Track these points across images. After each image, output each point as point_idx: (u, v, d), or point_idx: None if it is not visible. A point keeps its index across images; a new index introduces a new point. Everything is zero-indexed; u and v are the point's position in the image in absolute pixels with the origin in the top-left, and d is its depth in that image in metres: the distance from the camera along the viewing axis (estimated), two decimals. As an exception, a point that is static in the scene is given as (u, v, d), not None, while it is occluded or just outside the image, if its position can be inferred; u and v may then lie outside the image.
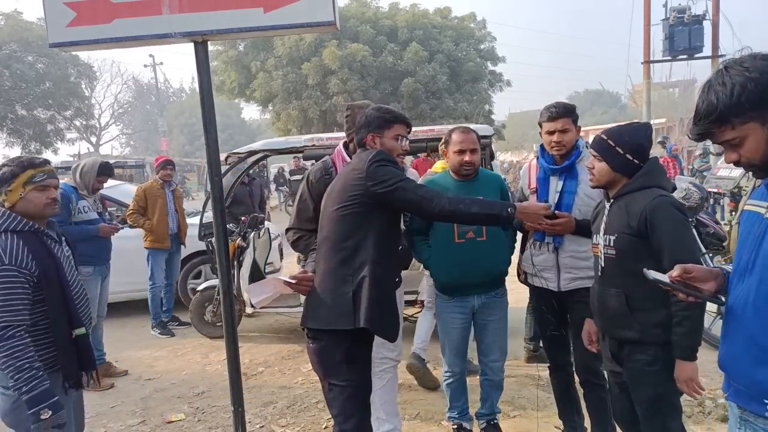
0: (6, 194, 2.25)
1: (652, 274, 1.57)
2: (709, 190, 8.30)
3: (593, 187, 2.41)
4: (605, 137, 2.28)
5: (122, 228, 5.15)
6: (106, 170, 4.60)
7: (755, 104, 1.27)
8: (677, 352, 2.12)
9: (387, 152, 2.43)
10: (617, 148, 2.23)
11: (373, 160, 2.30)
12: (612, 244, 2.24)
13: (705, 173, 11.73)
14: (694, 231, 2.18)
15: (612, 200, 2.30)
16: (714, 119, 1.32)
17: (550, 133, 2.78)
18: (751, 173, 1.45)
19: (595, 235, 2.37)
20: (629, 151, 2.21)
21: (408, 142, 2.57)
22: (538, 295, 3.00)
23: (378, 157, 2.32)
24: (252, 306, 5.37)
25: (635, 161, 2.22)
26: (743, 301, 1.41)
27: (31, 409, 2.10)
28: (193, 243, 6.14)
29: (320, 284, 2.35)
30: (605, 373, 2.57)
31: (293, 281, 2.40)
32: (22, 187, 2.26)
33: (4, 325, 2.10)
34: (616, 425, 2.56)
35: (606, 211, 2.31)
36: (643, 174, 2.23)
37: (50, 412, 2.13)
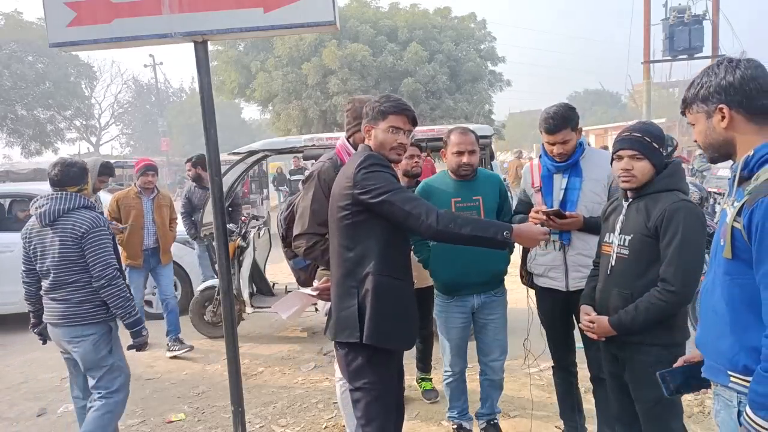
0: (87, 184, 3.08)
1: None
2: (709, 190, 8.29)
3: (631, 189, 2.24)
4: (641, 135, 2.19)
5: (123, 229, 4.95)
6: (107, 170, 4.62)
7: (704, 98, 1.55)
8: (616, 319, 2.19)
9: (379, 148, 2.29)
10: (654, 144, 2.18)
11: (360, 165, 2.19)
12: (627, 244, 2.22)
13: (705, 173, 11.72)
14: (704, 244, 2.16)
15: (631, 200, 2.26)
16: (683, 102, 1.64)
17: (551, 143, 2.76)
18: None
19: (608, 234, 2.33)
20: (662, 146, 2.20)
21: (408, 135, 2.36)
22: (544, 296, 2.99)
23: (367, 161, 2.20)
24: (252, 306, 5.38)
25: (664, 157, 2.22)
26: (711, 284, 1.60)
27: (134, 328, 3.00)
28: None
29: (332, 295, 2.34)
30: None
31: (315, 293, 2.39)
32: (91, 180, 3.14)
33: (115, 268, 2.93)
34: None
35: (624, 211, 2.27)
36: (667, 175, 2.20)
37: (147, 331, 3.10)
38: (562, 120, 2.69)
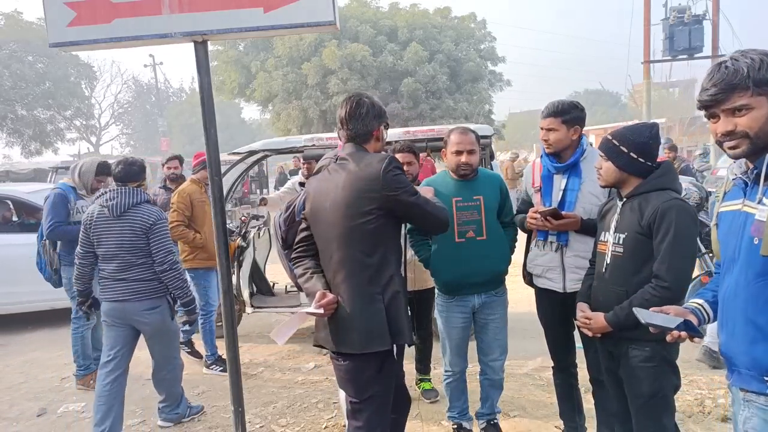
0: (145, 180, 3.53)
1: (643, 316, 1.72)
2: (709, 190, 8.30)
3: (602, 187, 2.44)
4: (610, 137, 2.33)
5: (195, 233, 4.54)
6: (104, 170, 4.59)
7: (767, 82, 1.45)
8: (612, 315, 2.23)
9: (382, 147, 2.43)
10: (621, 147, 2.26)
11: (387, 169, 2.17)
12: (621, 242, 2.26)
13: (705, 173, 11.72)
14: (698, 241, 2.21)
15: (625, 199, 2.31)
16: (737, 82, 1.47)
17: (542, 128, 2.83)
18: (730, 153, 1.54)
19: (604, 233, 2.38)
20: (633, 150, 2.24)
21: None
22: (542, 297, 2.99)
23: (392, 164, 2.20)
24: (252, 306, 5.38)
25: (640, 160, 2.24)
26: (734, 288, 1.56)
27: (189, 306, 3.54)
28: None
29: (347, 308, 2.21)
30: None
31: (318, 311, 2.23)
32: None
33: (174, 254, 3.44)
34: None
35: (618, 210, 2.33)
36: (659, 175, 2.26)
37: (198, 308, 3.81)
38: (553, 109, 2.77)
